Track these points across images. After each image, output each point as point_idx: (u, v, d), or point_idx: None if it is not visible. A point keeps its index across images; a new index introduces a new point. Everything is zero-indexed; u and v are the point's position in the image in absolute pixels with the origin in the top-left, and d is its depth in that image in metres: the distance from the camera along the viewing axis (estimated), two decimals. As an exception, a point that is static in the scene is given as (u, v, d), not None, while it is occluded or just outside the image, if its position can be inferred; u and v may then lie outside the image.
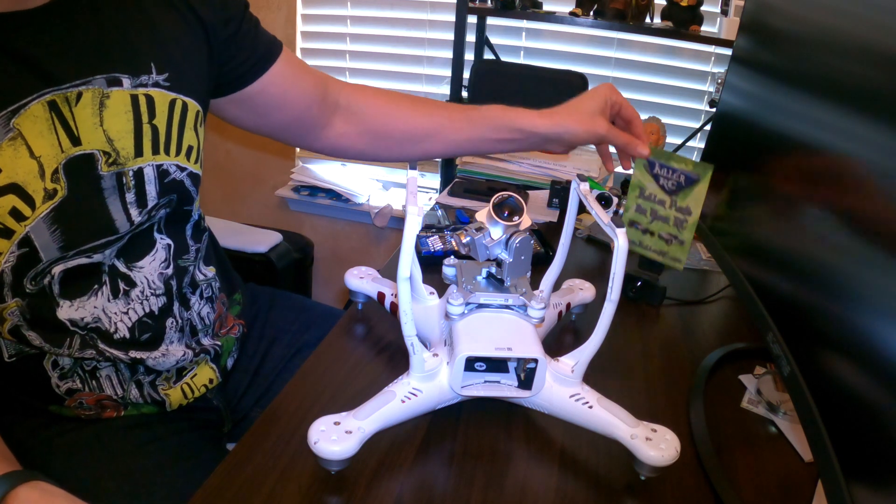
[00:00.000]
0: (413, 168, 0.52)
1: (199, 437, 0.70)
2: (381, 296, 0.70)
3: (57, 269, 0.56)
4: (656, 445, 0.49)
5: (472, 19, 1.47)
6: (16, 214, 0.52)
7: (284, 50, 0.74)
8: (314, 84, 0.77)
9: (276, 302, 0.89)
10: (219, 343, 0.73)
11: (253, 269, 1.43)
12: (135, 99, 0.57)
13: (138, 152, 0.58)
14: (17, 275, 0.54)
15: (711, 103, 1.46)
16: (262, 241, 1.32)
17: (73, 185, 0.54)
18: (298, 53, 1.82)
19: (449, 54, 1.46)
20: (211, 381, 0.71)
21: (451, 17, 1.41)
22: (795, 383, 0.46)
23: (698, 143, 1.55)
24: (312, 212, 1.91)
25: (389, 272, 0.77)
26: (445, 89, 1.64)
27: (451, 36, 1.42)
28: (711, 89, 1.52)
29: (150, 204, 0.60)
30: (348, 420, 0.49)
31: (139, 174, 0.59)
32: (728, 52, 1.25)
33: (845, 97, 0.46)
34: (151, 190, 0.60)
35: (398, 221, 1.79)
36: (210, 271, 0.73)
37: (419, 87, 1.73)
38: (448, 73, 1.50)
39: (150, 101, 0.58)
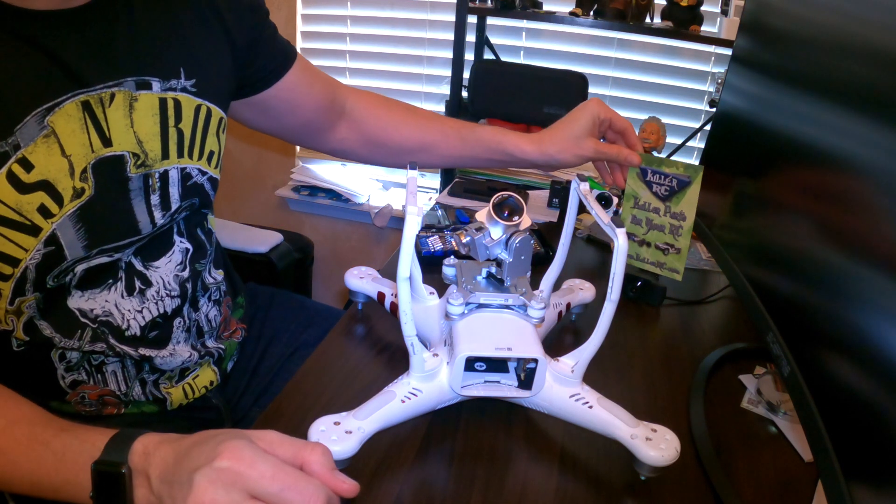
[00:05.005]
0: (413, 168, 0.52)
1: None
2: (381, 296, 0.70)
3: (80, 268, 0.57)
4: (656, 445, 0.49)
5: (472, 19, 1.47)
6: (44, 211, 0.52)
7: (299, 56, 0.76)
8: (323, 90, 0.80)
9: (276, 301, 0.89)
10: (222, 347, 0.73)
11: (253, 270, 1.43)
12: (163, 102, 0.58)
13: (165, 155, 0.59)
14: (41, 272, 0.55)
15: (711, 103, 1.46)
16: (262, 241, 1.32)
17: (100, 185, 0.55)
18: (298, 53, 1.82)
19: (449, 54, 1.46)
20: (212, 382, 0.72)
21: (451, 17, 1.41)
22: (795, 383, 0.46)
23: (698, 143, 1.55)
24: (312, 212, 1.91)
25: (389, 272, 0.77)
26: (445, 89, 1.64)
27: (451, 36, 1.42)
28: (711, 89, 1.52)
29: (174, 206, 0.62)
30: (348, 420, 0.49)
31: (164, 176, 0.60)
32: (728, 52, 1.25)
33: (845, 97, 0.46)
34: (175, 192, 0.61)
35: (398, 221, 1.79)
36: (219, 274, 0.74)
37: (419, 86, 1.73)
38: (448, 73, 1.50)
39: (177, 104, 0.59)
